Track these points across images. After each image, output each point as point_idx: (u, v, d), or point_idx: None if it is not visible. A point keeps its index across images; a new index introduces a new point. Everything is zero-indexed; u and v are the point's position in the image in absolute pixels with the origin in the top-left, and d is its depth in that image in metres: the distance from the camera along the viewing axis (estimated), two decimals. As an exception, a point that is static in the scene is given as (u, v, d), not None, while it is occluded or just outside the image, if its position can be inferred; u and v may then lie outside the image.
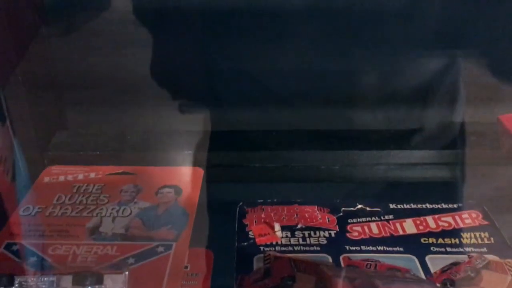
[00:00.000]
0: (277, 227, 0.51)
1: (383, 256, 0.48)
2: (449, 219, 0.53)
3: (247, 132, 0.64)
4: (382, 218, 0.53)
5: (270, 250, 0.49)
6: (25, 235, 0.49)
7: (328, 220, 0.52)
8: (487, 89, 0.62)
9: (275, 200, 0.55)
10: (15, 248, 0.48)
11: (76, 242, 0.48)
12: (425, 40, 0.61)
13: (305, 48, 0.61)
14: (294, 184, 0.61)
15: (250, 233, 0.51)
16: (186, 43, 0.63)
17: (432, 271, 0.47)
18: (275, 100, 0.64)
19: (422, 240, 0.50)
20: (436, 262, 0.47)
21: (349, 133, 0.64)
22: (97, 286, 0.41)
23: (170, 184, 0.56)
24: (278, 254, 0.48)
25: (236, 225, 0.52)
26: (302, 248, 0.49)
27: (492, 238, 0.50)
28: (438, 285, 0.45)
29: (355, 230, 0.51)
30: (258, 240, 0.50)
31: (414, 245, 0.49)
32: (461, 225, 0.52)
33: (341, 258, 0.48)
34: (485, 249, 0.49)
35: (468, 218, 0.53)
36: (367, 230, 0.51)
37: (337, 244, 0.49)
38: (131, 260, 0.46)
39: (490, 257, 0.48)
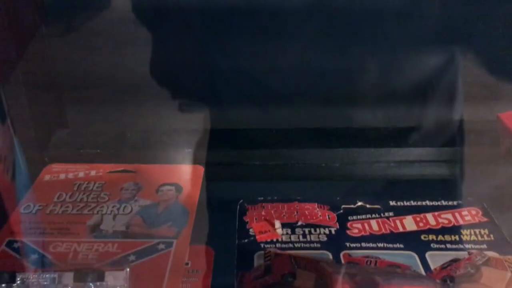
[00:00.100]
0: (277, 224, 0.51)
1: (383, 253, 0.48)
2: (449, 216, 0.53)
3: (247, 130, 0.65)
4: (382, 215, 0.53)
5: (270, 247, 0.49)
6: (26, 232, 0.49)
7: (328, 217, 0.53)
8: (486, 86, 0.63)
9: (275, 197, 0.55)
10: (16, 245, 0.48)
11: (77, 240, 0.48)
12: (424, 38, 0.61)
13: (305, 46, 0.61)
14: (294, 182, 0.62)
15: (251, 230, 0.51)
16: (185, 41, 0.63)
17: (432, 267, 0.47)
18: (275, 98, 0.64)
19: (422, 237, 0.50)
20: (436, 259, 0.48)
21: (349, 131, 0.64)
22: (98, 283, 0.41)
23: (170, 182, 0.56)
24: (279, 251, 0.48)
25: (237, 222, 0.52)
26: (302, 245, 0.49)
27: (492, 235, 0.50)
28: (438, 281, 0.45)
29: (355, 227, 0.51)
30: (258, 237, 0.50)
31: (414, 242, 0.49)
32: (461, 222, 0.52)
33: (341, 255, 0.48)
34: (485, 246, 0.49)
35: (468, 215, 0.53)
36: (367, 227, 0.51)
37: (337, 241, 0.50)
38: (132, 257, 0.46)
39: (490, 253, 0.48)
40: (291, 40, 0.61)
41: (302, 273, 0.45)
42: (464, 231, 0.51)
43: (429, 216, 0.53)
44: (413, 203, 0.54)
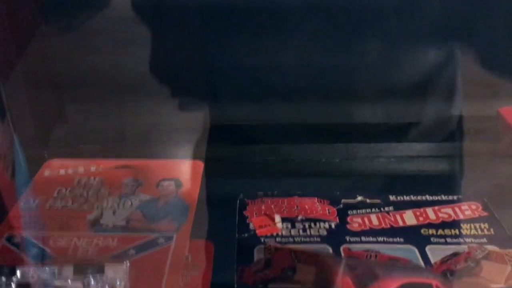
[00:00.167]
0: (277, 218, 0.51)
1: (383, 247, 0.48)
2: (449, 210, 0.53)
3: (246, 126, 0.65)
4: (382, 209, 0.53)
5: (270, 241, 0.49)
6: (26, 227, 0.49)
7: (328, 212, 0.52)
8: (486, 82, 0.62)
9: (275, 192, 0.55)
10: (16, 240, 0.48)
11: (77, 234, 0.48)
12: (424, 34, 0.61)
13: (304, 42, 0.61)
14: (294, 177, 0.62)
15: (251, 225, 0.51)
16: (185, 38, 0.63)
17: (432, 261, 0.47)
18: (275, 94, 0.64)
19: (422, 231, 0.50)
20: (436, 253, 0.47)
21: (349, 126, 0.64)
22: (98, 276, 0.41)
23: (170, 177, 0.56)
24: (279, 245, 0.48)
25: (237, 217, 0.52)
26: (302, 239, 0.49)
27: (492, 229, 0.50)
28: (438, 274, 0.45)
29: (355, 222, 0.51)
30: (258, 232, 0.50)
31: (414, 236, 0.49)
32: (461, 217, 0.52)
33: (341, 249, 0.48)
34: (485, 240, 0.49)
35: (468, 209, 0.53)
36: (367, 222, 0.51)
37: (337, 235, 0.50)
38: (132, 252, 0.46)
39: (490, 247, 0.48)
40: (290, 36, 0.61)
41: (302, 267, 0.45)
42: (464, 225, 0.51)
43: (429, 210, 0.53)
44: (413, 197, 0.54)
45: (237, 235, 0.50)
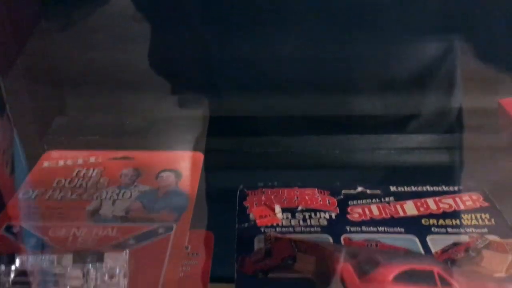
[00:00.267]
0: (277, 208, 0.51)
1: (383, 237, 0.48)
2: (450, 201, 0.52)
3: (247, 118, 0.64)
4: (382, 200, 0.53)
5: (270, 231, 0.49)
6: (25, 217, 0.49)
7: (329, 203, 0.52)
8: (486, 73, 0.62)
9: (275, 183, 0.55)
10: (15, 230, 0.47)
11: (76, 224, 0.48)
12: (423, 25, 0.61)
13: (304, 35, 0.61)
14: (294, 169, 0.61)
15: (251, 215, 0.51)
16: (184, 30, 0.63)
17: (433, 251, 0.46)
18: (275, 86, 0.64)
19: (423, 221, 0.50)
20: (437, 243, 0.47)
21: (349, 118, 0.64)
22: (97, 264, 0.41)
23: (170, 168, 0.56)
24: (279, 235, 0.48)
25: (237, 207, 0.52)
26: (302, 229, 0.49)
27: (492, 220, 0.50)
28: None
29: (356, 212, 0.51)
30: (258, 222, 0.50)
31: (415, 226, 0.49)
32: (462, 207, 0.52)
33: (341, 238, 0.48)
34: (485, 230, 0.49)
35: (469, 200, 0.53)
36: (367, 212, 0.51)
37: (338, 225, 0.49)
38: (131, 241, 0.46)
39: (491, 237, 0.48)
40: (290, 28, 0.61)
41: (302, 257, 0.45)
42: (465, 216, 0.51)
43: (430, 201, 0.52)
44: (413, 188, 0.54)
45: (237, 225, 0.50)
